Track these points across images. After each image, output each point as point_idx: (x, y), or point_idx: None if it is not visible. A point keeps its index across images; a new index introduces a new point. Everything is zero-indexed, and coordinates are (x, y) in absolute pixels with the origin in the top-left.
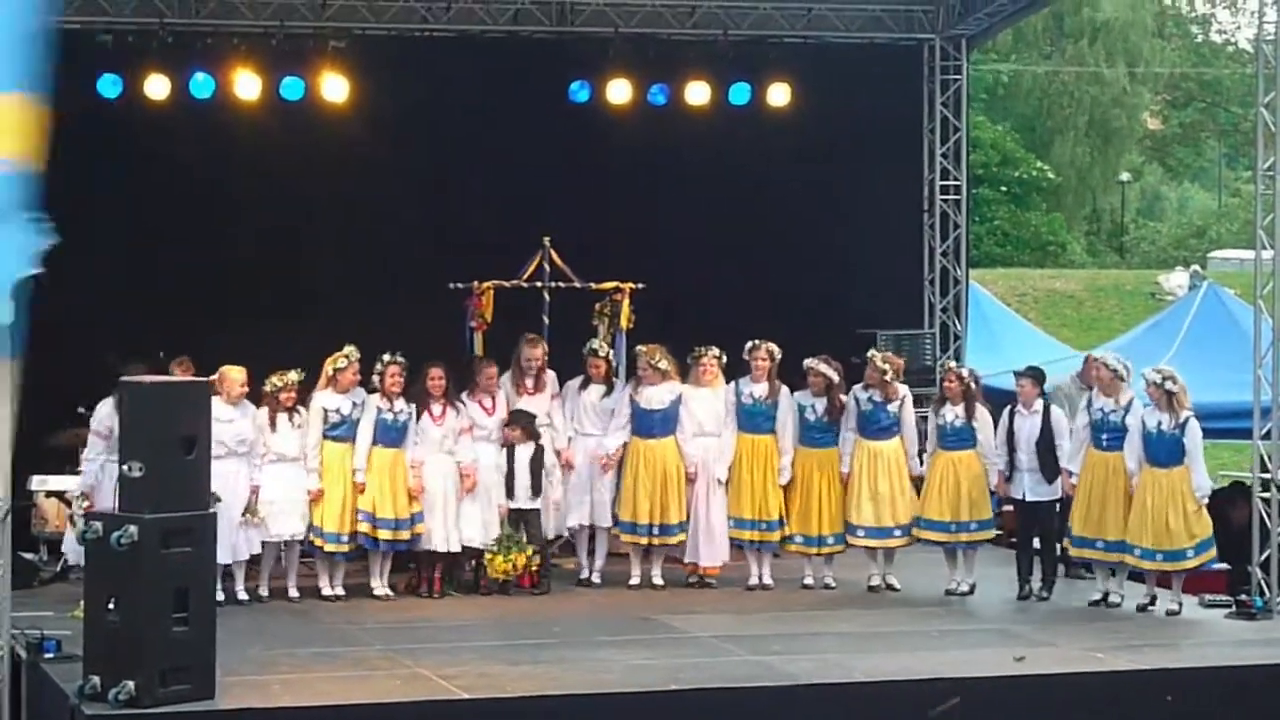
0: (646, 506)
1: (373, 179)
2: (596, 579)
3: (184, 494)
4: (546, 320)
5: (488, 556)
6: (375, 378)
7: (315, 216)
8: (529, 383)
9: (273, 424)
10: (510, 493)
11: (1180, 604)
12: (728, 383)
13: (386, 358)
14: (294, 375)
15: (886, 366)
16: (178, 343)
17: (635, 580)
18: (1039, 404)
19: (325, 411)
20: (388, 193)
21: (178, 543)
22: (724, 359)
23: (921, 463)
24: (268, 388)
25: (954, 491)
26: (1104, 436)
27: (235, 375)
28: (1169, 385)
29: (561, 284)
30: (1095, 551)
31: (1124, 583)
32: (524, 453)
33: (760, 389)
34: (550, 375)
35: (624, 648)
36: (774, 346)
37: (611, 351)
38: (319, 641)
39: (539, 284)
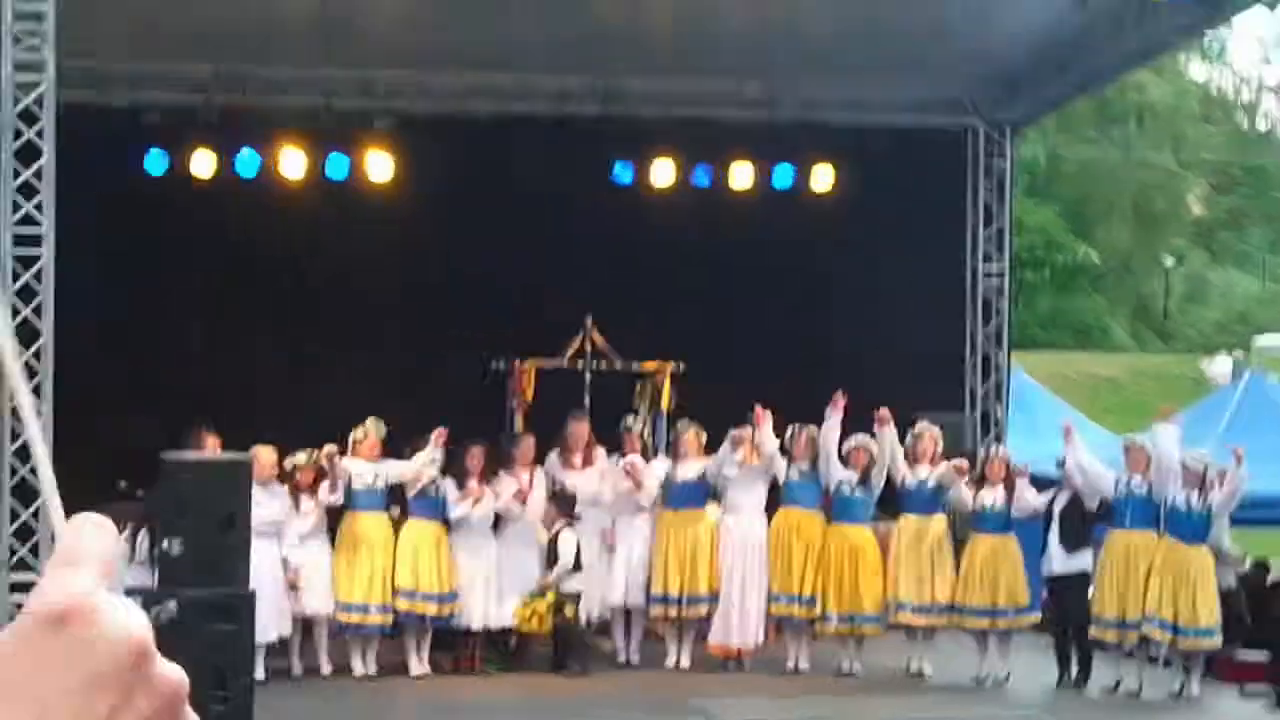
0: (676, 579)
1: (416, 257)
2: (635, 659)
3: (223, 571)
4: (588, 400)
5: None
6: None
7: (358, 294)
8: (576, 459)
9: (295, 503)
10: (549, 568)
11: (1199, 690)
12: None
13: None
14: (303, 457)
15: (939, 436)
16: (217, 416)
17: (671, 661)
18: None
19: (351, 475)
20: (430, 271)
21: (217, 620)
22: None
23: (959, 547)
24: (288, 466)
25: (991, 576)
26: (1128, 513)
27: (266, 456)
28: (1209, 473)
29: (603, 364)
30: (1112, 630)
31: (1143, 668)
32: (567, 534)
33: (803, 466)
34: (600, 451)
35: None
36: (814, 429)
37: (647, 429)
38: None
39: (580, 363)
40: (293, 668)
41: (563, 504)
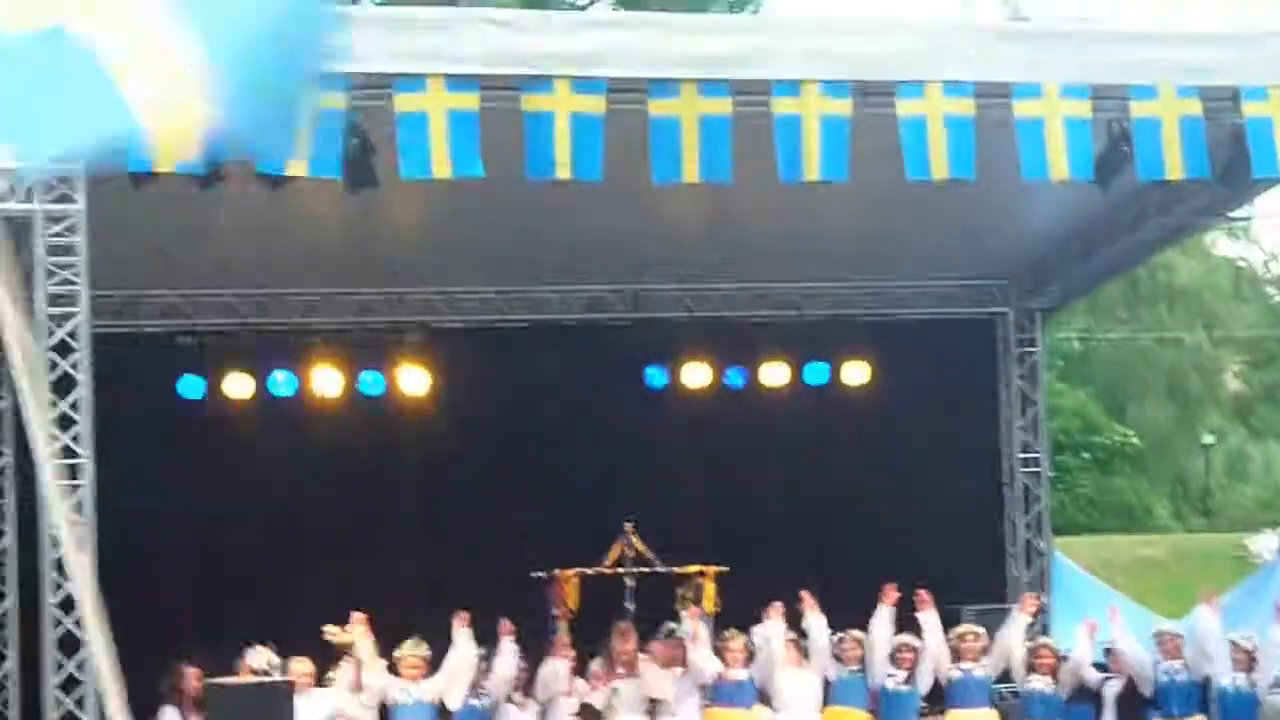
0: None
1: (453, 468)
2: None
3: None
4: (630, 606)
5: None
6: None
7: (397, 508)
8: (620, 673)
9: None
10: None
11: None
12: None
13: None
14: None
15: (983, 633)
16: (255, 637)
17: None
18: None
19: (386, 690)
20: (468, 482)
21: None
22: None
23: None
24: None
25: None
26: (1173, 701)
27: (301, 666)
28: (1256, 653)
29: (644, 569)
30: None
31: None
32: None
33: (851, 665)
34: (648, 663)
35: None
36: (860, 633)
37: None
38: None
39: (621, 570)
40: None
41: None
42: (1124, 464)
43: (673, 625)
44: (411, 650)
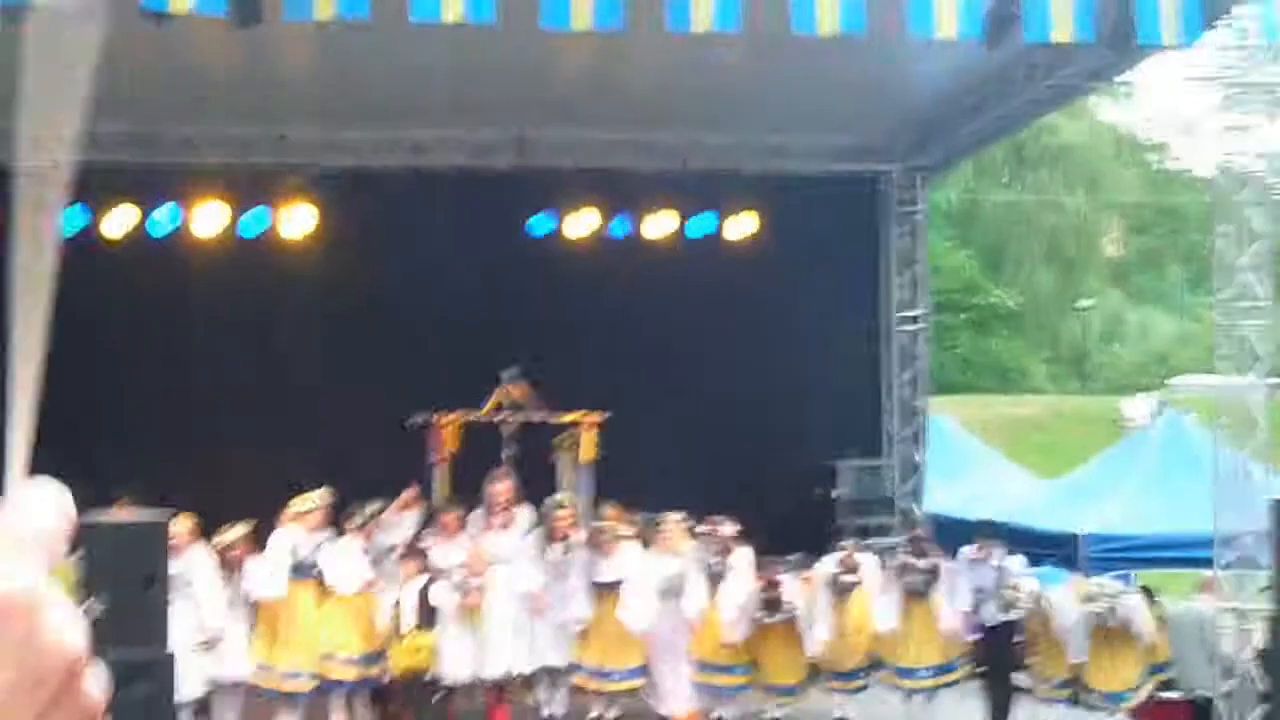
0: (607, 650)
1: (333, 312)
2: (560, 711)
3: (143, 631)
4: (508, 453)
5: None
6: (358, 522)
7: (274, 350)
8: (497, 520)
9: (227, 578)
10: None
11: None
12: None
13: (370, 509)
14: (242, 528)
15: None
16: (135, 478)
17: (595, 714)
18: (996, 555)
19: (289, 549)
20: (348, 327)
21: (138, 681)
22: (685, 524)
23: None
24: (216, 545)
25: (916, 638)
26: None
27: (184, 521)
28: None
29: (523, 416)
30: (1050, 689)
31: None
32: (415, 586)
33: (716, 559)
34: (522, 511)
35: None
36: (730, 528)
37: (571, 482)
38: None
39: (500, 417)
40: None
41: (416, 557)
42: (1002, 325)
43: (558, 496)
44: (323, 499)
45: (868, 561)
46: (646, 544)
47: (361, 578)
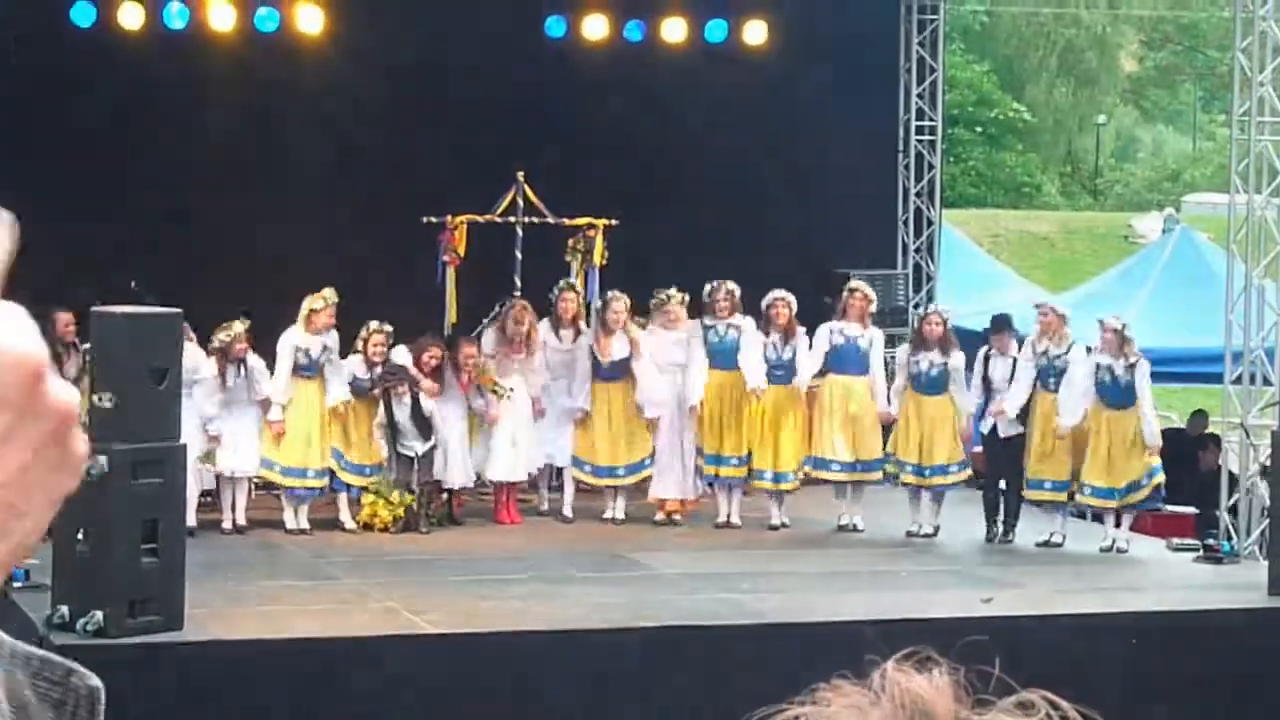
0: (613, 448)
1: (346, 113)
2: (568, 512)
3: (155, 425)
4: (519, 255)
5: (366, 499)
6: (359, 343)
7: (288, 150)
8: (517, 354)
9: (222, 376)
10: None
11: (1129, 542)
12: (692, 318)
13: (374, 325)
14: (239, 326)
15: (873, 295)
16: (149, 279)
17: (608, 514)
18: (1013, 347)
19: (296, 350)
20: (361, 127)
21: (148, 474)
22: (687, 299)
23: (890, 403)
24: (216, 343)
25: (928, 435)
26: (1051, 380)
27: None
28: (1126, 331)
29: (535, 219)
30: (1044, 492)
31: (1066, 522)
32: (403, 404)
33: (724, 325)
34: (540, 336)
35: (593, 584)
36: (733, 286)
37: (583, 290)
38: (288, 575)
39: (512, 219)
40: (224, 520)
41: (400, 375)
42: (1015, 140)
43: (566, 282)
44: (331, 298)
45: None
46: (650, 323)
47: (341, 398)
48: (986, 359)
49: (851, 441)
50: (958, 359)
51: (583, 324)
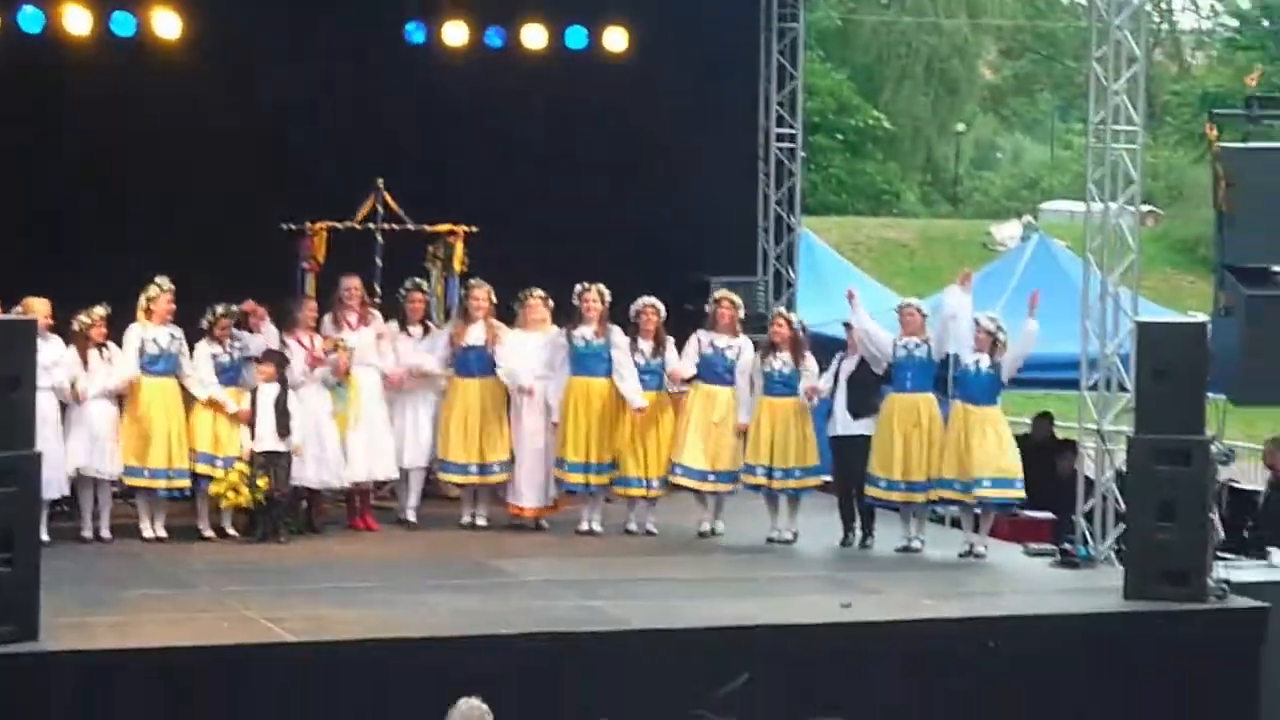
0: (467, 444)
1: (205, 118)
2: (411, 517)
3: (8, 433)
4: (379, 262)
5: (216, 489)
6: (205, 324)
7: (145, 154)
8: (351, 318)
9: (84, 361)
10: (253, 435)
11: (986, 547)
12: (557, 325)
13: (220, 309)
14: (100, 310)
15: (739, 302)
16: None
17: (466, 519)
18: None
19: (143, 342)
20: (219, 132)
21: (1, 483)
22: (550, 302)
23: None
24: (76, 326)
25: (780, 438)
26: (909, 375)
27: (39, 306)
28: (999, 334)
29: (395, 226)
30: (899, 493)
31: (925, 526)
32: (269, 392)
33: (590, 330)
34: (377, 314)
35: (453, 591)
36: (603, 288)
37: (431, 295)
38: (145, 583)
39: (372, 225)
40: (83, 528)
41: (275, 360)
42: (876, 148)
43: (414, 282)
44: (166, 286)
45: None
46: (511, 322)
47: (207, 387)
48: (840, 360)
49: (712, 451)
50: (811, 363)
51: (432, 324)
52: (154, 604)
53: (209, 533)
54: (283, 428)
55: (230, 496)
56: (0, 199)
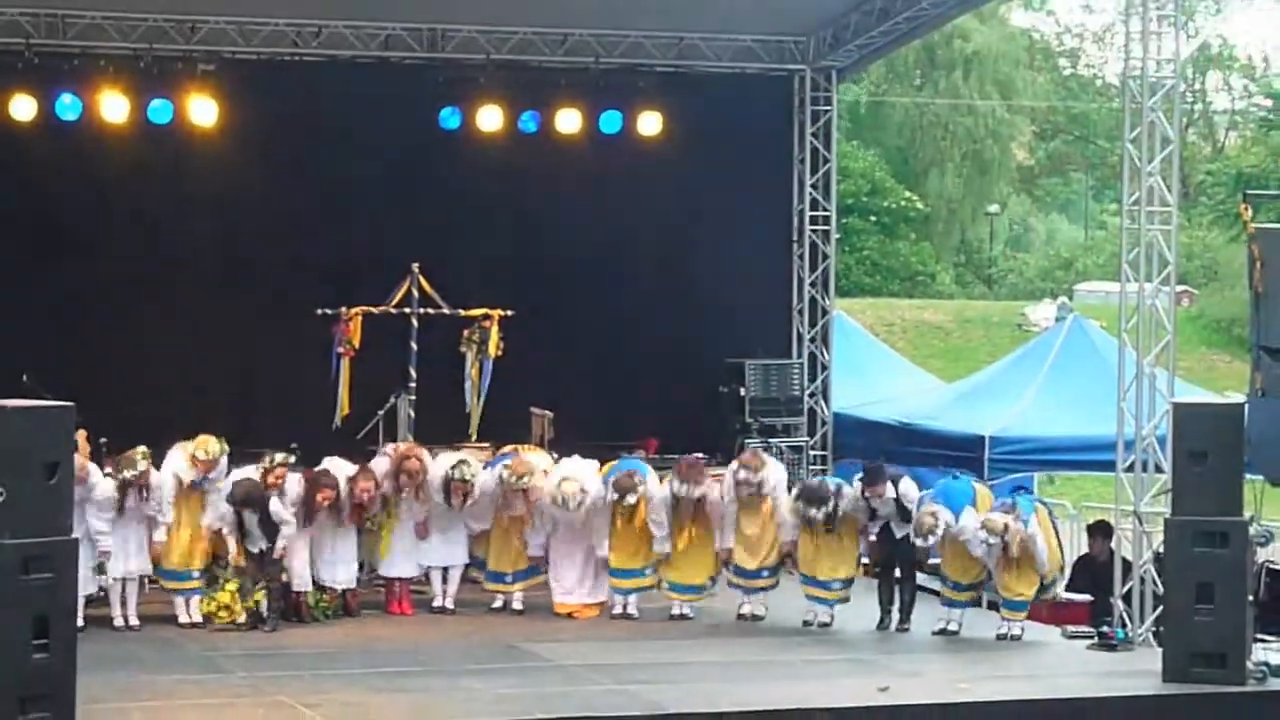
0: (509, 554)
1: (241, 203)
2: (450, 604)
3: (45, 519)
4: (414, 347)
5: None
6: (259, 472)
7: (181, 240)
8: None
9: (122, 502)
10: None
11: (1024, 630)
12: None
13: (279, 458)
14: (141, 462)
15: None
16: (35, 366)
17: (499, 604)
18: (889, 489)
19: (179, 480)
20: (256, 217)
21: (39, 568)
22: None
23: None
24: (122, 476)
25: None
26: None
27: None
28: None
29: (430, 310)
30: (949, 590)
31: (963, 610)
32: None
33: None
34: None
35: (489, 676)
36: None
37: (478, 381)
38: (181, 669)
39: (407, 310)
40: (115, 618)
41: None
42: (909, 229)
43: (464, 470)
44: (217, 447)
45: (773, 467)
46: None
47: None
48: (871, 511)
49: (751, 550)
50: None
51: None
52: (188, 690)
53: (184, 618)
54: (270, 535)
55: (223, 616)
56: (43, 287)
